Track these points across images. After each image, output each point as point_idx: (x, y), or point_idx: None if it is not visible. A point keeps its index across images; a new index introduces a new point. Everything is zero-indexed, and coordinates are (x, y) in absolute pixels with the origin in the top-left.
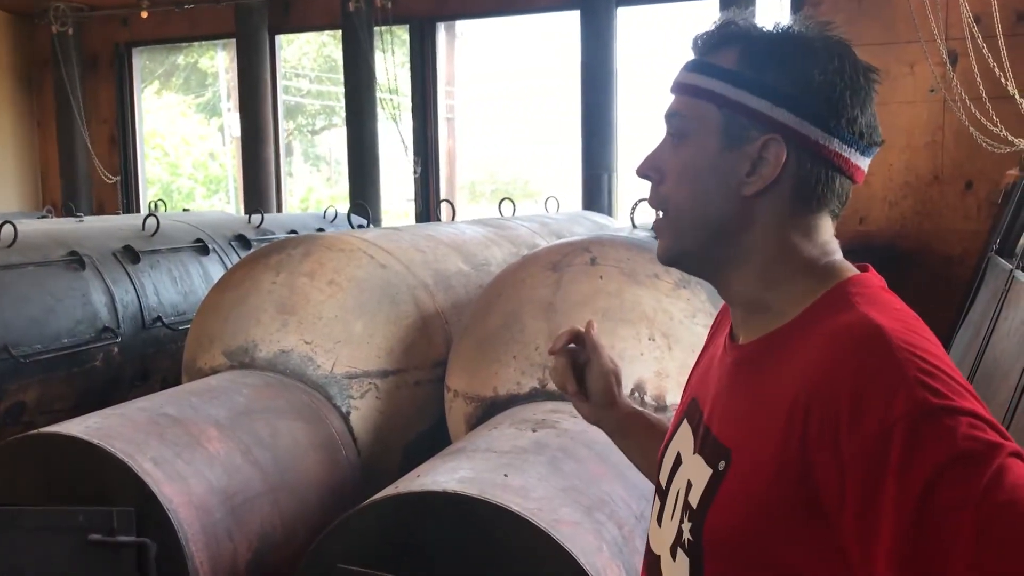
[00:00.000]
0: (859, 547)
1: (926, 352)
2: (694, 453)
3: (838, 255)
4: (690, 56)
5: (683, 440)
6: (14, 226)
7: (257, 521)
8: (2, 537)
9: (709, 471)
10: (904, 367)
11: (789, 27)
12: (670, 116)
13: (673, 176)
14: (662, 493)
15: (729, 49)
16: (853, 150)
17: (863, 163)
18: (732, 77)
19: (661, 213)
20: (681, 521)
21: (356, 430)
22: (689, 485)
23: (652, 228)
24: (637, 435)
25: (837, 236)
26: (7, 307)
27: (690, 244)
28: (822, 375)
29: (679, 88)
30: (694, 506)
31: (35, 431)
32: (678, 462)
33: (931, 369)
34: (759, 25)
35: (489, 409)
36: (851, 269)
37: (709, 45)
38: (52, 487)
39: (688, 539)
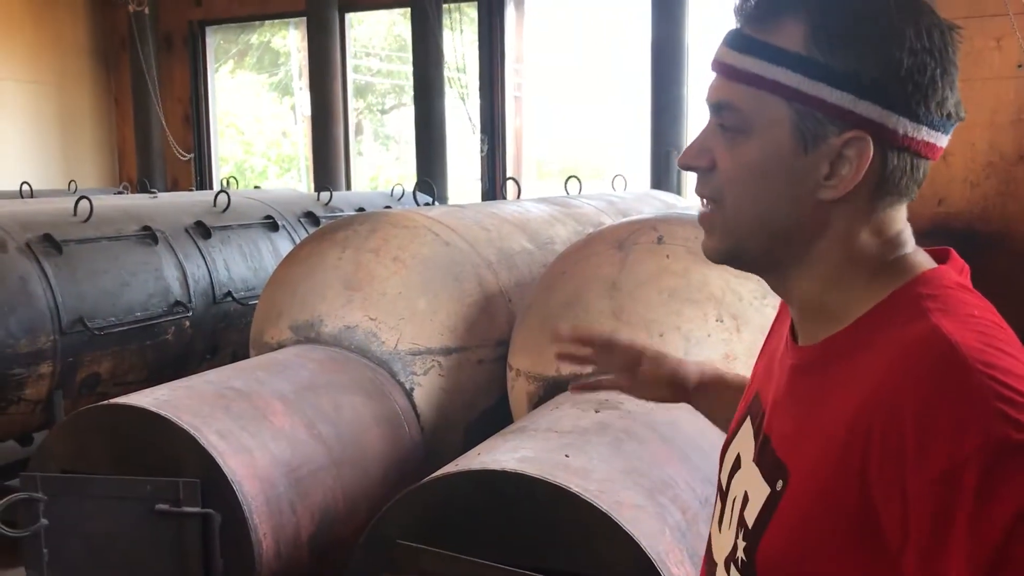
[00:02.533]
0: None
1: (1009, 375)
2: (752, 461)
3: (910, 245)
4: (740, 28)
5: (744, 441)
6: (90, 201)
7: (320, 495)
8: (73, 503)
9: (767, 489)
10: (980, 394)
11: None
12: (720, 107)
13: (730, 172)
14: (723, 494)
15: (790, 23)
16: (940, 133)
17: (946, 141)
18: (803, 65)
19: (708, 205)
20: (737, 536)
21: (419, 406)
22: (746, 498)
23: (698, 220)
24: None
25: (912, 219)
26: (83, 280)
27: (747, 246)
28: (887, 396)
29: (730, 72)
30: (749, 525)
31: (106, 402)
32: (737, 464)
33: (1014, 396)
34: None
35: (551, 389)
36: (923, 263)
37: (763, 16)
38: (121, 457)
39: (742, 559)
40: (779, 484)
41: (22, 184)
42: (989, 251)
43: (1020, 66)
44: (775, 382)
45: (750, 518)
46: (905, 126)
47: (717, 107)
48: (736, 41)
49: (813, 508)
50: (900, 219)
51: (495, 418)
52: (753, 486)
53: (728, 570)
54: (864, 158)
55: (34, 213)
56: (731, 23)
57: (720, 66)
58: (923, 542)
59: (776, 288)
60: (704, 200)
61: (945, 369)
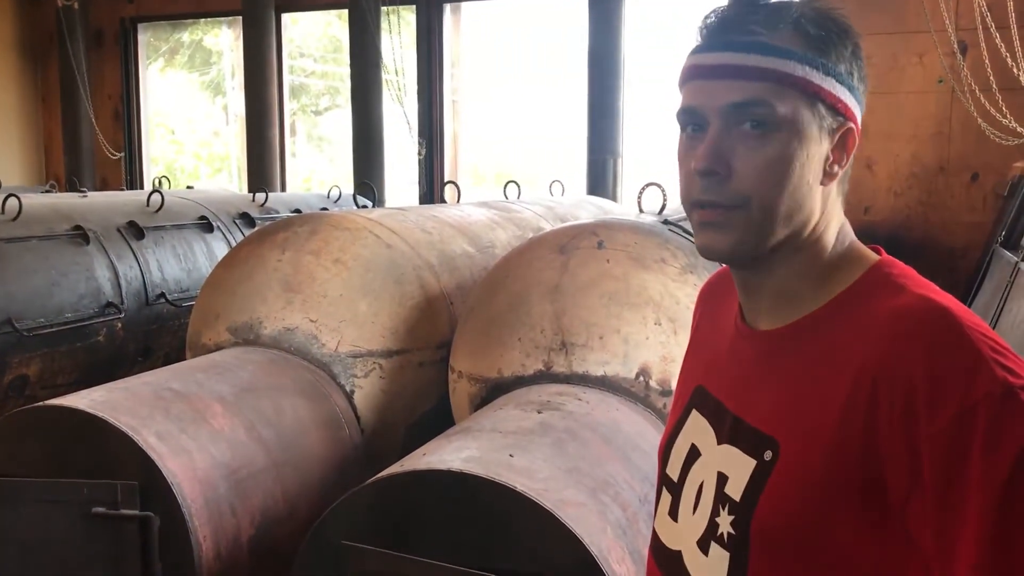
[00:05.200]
0: (936, 530)
1: (991, 333)
2: (720, 444)
3: (852, 236)
4: (745, 35)
5: (697, 431)
6: (19, 199)
7: (260, 497)
8: (6, 509)
9: (752, 462)
10: (978, 348)
11: (817, 7)
12: (749, 104)
13: (758, 170)
14: (673, 486)
15: (788, 30)
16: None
17: None
18: (811, 63)
19: (720, 210)
20: (715, 514)
21: (360, 409)
22: (723, 477)
23: (700, 222)
24: None
25: None
26: (11, 280)
27: (770, 238)
28: (889, 358)
29: (753, 73)
30: (736, 498)
31: (40, 403)
32: (694, 454)
33: (1001, 349)
34: (797, 4)
35: (493, 391)
36: (870, 252)
37: (765, 23)
38: (56, 460)
39: (728, 532)
40: (768, 454)
41: None
42: (912, 259)
43: (941, 81)
44: (730, 371)
45: (735, 493)
46: (861, 119)
47: (745, 106)
48: (746, 45)
49: (811, 472)
50: (841, 210)
51: (435, 421)
52: (731, 464)
53: (705, 550)
54: (852, 145)
55: None
56: (709, 33)
57: (735, 69)
58: (938, 485)
59: (754, 278)
60: (712, 206)
61: (945, 328)
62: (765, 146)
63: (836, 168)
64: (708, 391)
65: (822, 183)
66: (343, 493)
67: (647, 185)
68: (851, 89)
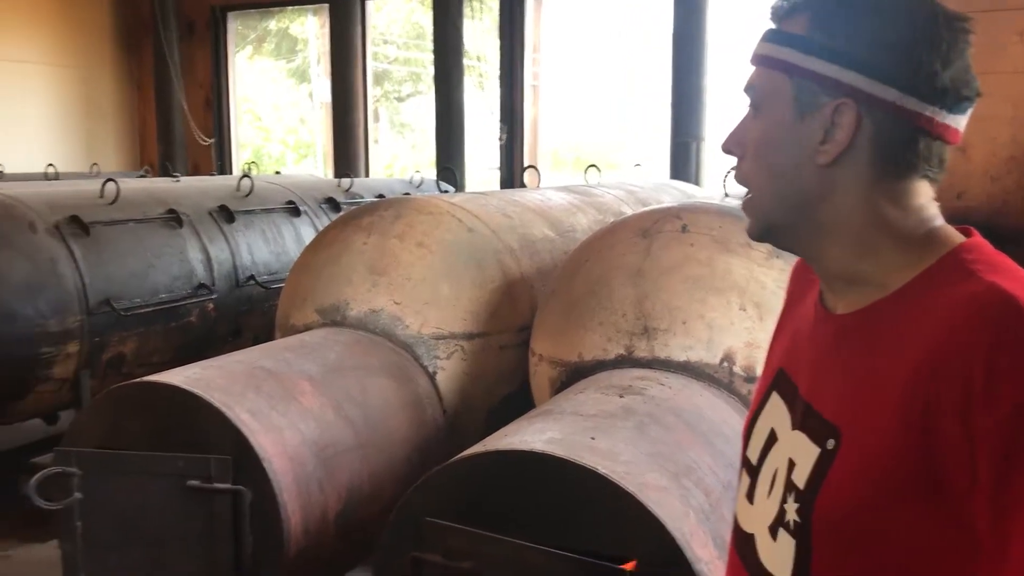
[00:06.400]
0: (991, 521)
1: None
2: (793, 429)
3: (939, 220)
4: (768, 26)
5: (776, 414)
6: (116, 184)
7: (346, 474)
8: (107, 479)
9: (817, 450)
10: None
11: None
12: (747, 88)
13: (752, 151)
14: (752, 469)
15: (800, 15)
16: (937, 108)
17: (953, 121)
18: (802, 43)
19: (747, 190)
20: (784, 501)
21: (442, 390)
22: (791, 464)
23: (741, 206)
24: None
25: None
26: (110, 261)
27: (773, 219)
28: (949, 347)
29: (755, 59)
30: (800, 486)
31: (139, 379)
32: (772, 438)
33: None
34: None
35: (574, 374)
36: (957, 235)
37: (783, 13)
38: (154, 433)
39: (794, 520)
40: (830, 443)
41: (47, 166)
42: (1008, 247)
43: None
44: (807, 354)
45: (800, 480)
46: (892, 95)
47: (745, 90)
48: (763, 35)
49: (871, 461)
50: (922, 194)
51: (516, 404)
52: (799, 451)
53: (774, 535)
54: (851, 122)
55: (61, 195)
56: (758, 17)
57: (751, 56)
58: (992, 479)
59: (814, 263)
60: (742, 186)
61: (1007, 318)
62: (755, 126)
63: (827, 147)
64: (787, 374)
65: (823, 163)
66: (426, 473)
67: (732, 168)
68: (860, 64)
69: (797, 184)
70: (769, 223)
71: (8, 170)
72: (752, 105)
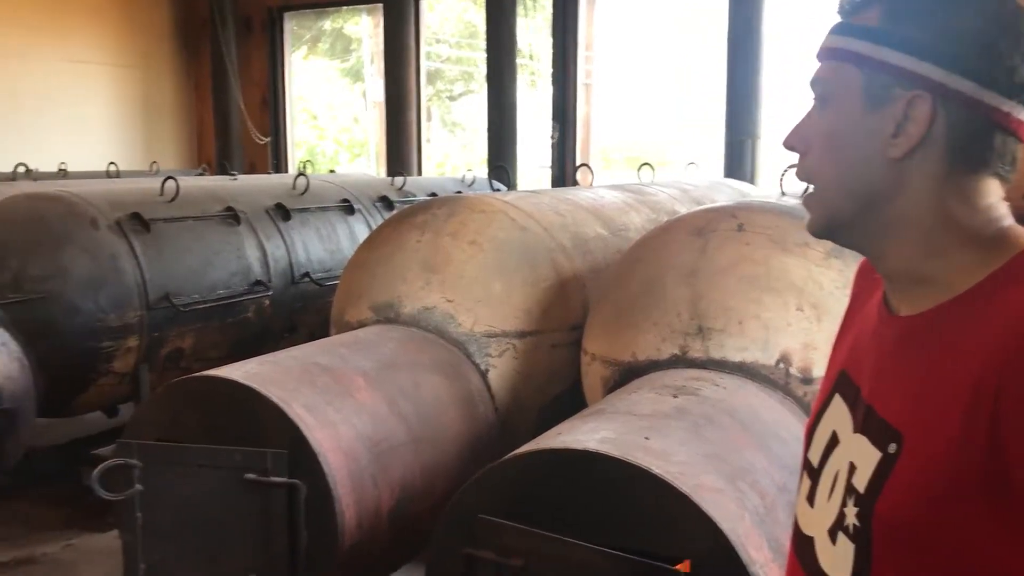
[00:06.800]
0: None
1: None
2: (855, 432)
3: (1009, 220)
4: (835, 20)
5: (838, 417)
6: (176, 182)
7: (400, 470)
8: (166, 470)
9: (878, 454)
10: None
11: None
12: (813, 83)
13: (818, 145)
14: (813, 471)
15: (872, 8)
16: (1015, 103)
17: None
18: (874, 35)
19: (809, 186)
20: (843, 505)
21: (494, 388)
22: (852, 467)
23: (802, 202)
24: None
25: None
26: (169, 258)
27: (839, 215)
28: (1011, 355)
29: (823, 53)
30: (860, 490)
31: (199, 374)
32: (834, 441)
33: None
34: None
35: (627, 374)
36: None
37: (853, 6)
38: (211, 426)
39: (854, 524)
40: (892, 447)
41: (109, 164)
42: None
43: None
44: (870, 357)
45: (860, 484)
46: (968, 88)
47: (812, 84)
48: (831, 29)
49: (934, 467)
50: (992, 192)
51: (567, 403)
52: (860, 455)
53: (833, 538)
54: (925, 115)
55: (123, 192)
56: (815, 13)
57: (819, 51)
58: None
59: (877, 262)
60: (804, 182)
61: None
62: (821, 120)
63: (900, 140)
64: (850, 376)
65: (894, 157)
66: (478, 470)
67: (791, 166)
68: (936, 56)
69: (865, 179)
70: (833, 219)
71: (71, 168)
72: (818, 99)
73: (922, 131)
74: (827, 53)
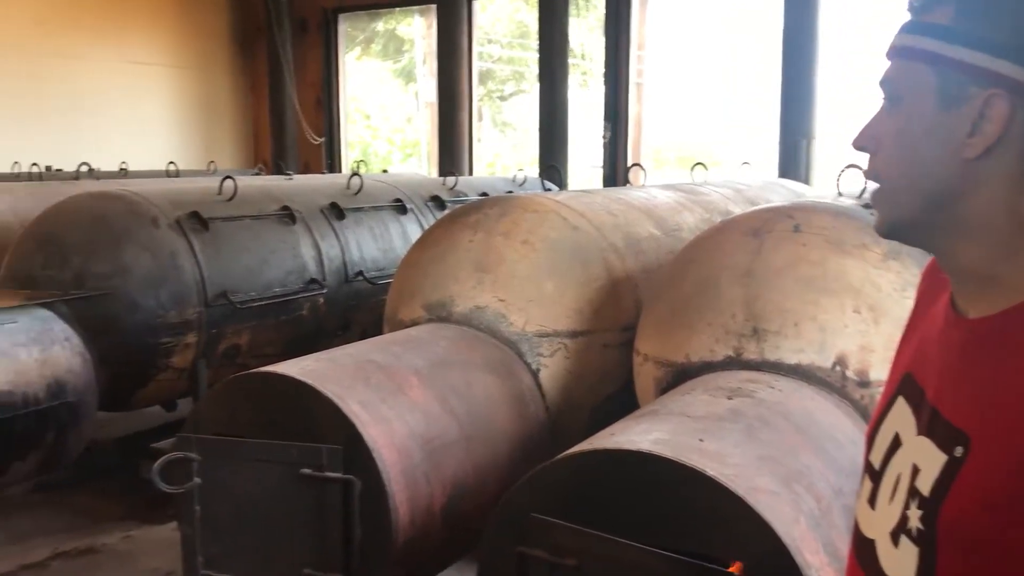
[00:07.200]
0: None
1: None
2: (919, 435)
3: None
4: (905, 18)
5: (901, 419)
6: (234, 181)
7: (452, 467)
8: (225, 464)
9: (943, 457)
10: None
11: None
12: (884, 82)
13: (888, 144)
14: (875, 474)
15: (944, 6)
16: None
17: None
18: (948, 33)
19: (878, 185)
20: (907, 507)
21: (545, 387)
22: (916, 469)
23: (870, 201)
24: None
25: None
26: (227, 256)
27: (908, 214)
28: None
29: (893, 52)
30: (925, 493)
31: (256, 370)
32: (896, 443)
33: None
34: None
35: (680, 375)
36: None
37: (924, 4)
38: (268, 422)
39: (917, 527)
40: (958, 451)
41: (168, 164)
42: None
43: None
44: (936, 358)
45: (924, 487)
46: None
47: (882, 83)
48: (902, 27)
49: (1001, 471)
50: None
51: (619, 403)
52: (924, 457)
53: (896, 541)
54: (1003, 114)
55: (182, 192)
56: (873, 13)
57: (889, 50)
58: None
59: (945, 262)
60: (873, 182)
61: None
62: (892, 120)
63: (975, 140)
64: (915, 378)
65: (970, 156)
66: (529, 469)
67: (849, 166)
68: (1012, 53)
69: (937, 178)
70: (902, 219)
71: (132, 167)
72: (888, 99)
73: (999, 130)
74: (898, 52)
